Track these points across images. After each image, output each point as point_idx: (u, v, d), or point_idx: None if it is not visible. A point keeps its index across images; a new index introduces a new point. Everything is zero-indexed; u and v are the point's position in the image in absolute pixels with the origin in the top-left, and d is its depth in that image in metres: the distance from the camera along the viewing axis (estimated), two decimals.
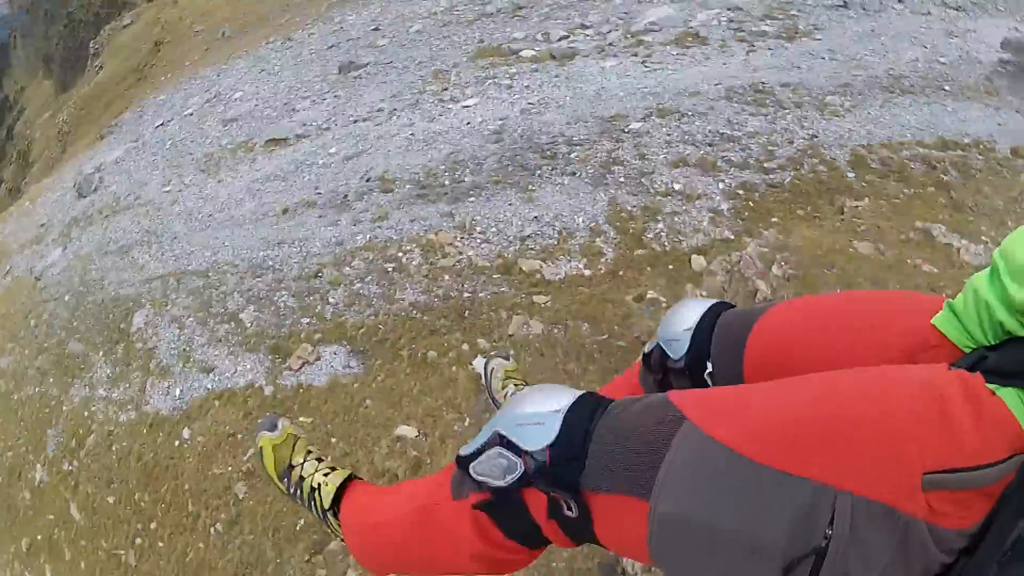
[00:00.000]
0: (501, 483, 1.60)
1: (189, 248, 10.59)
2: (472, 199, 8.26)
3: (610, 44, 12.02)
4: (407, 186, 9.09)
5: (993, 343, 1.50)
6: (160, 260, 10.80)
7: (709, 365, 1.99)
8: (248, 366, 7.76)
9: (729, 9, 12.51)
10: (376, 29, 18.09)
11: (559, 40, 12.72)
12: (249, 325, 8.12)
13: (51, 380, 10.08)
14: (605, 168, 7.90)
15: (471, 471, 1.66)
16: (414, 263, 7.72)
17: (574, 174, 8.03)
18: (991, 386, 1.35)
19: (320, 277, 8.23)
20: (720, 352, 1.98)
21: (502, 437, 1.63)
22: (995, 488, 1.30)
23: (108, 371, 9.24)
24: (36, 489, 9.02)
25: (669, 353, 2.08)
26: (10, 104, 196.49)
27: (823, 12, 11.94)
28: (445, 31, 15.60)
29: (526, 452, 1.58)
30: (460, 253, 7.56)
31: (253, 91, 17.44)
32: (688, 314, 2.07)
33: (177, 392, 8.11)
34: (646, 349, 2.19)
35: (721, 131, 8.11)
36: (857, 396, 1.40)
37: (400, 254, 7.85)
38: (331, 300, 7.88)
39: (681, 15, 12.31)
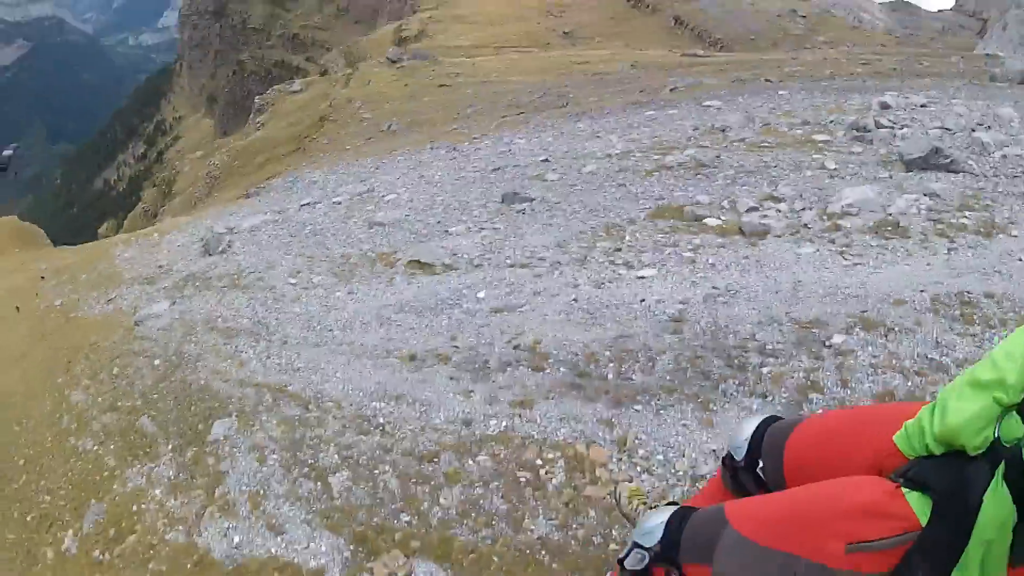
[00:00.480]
0: (640, 567, 2.98)
1: (297, 362, 9.39)
2: (638, 407, 6.87)
3: (805, 225, 10.81)
4: (562, 368, 7.68)
5: (921, 454, 2.46)
6: (263, 363, 9.49)
7: (760, 462, 3.12)
8: (323, 547, 6.25)
9: (927, 195, 11.33)
10: (546, 160, 17.28)
11: (748, 211, 11.45)
12: (338, 495, 6.70)
13: (112, 447, 8.79)
14: (802, 394, 6.56)
15: (624, 564, 3.06)
16: (554, 481, 6.17)
17: (765, 396, 6.64)
18: (905, 489, 2.39)
19: (436, 463, 6.72)
20: (766, 457, 3.10)
21: (635, 543, 3.04)
22: (899, 550, 2.33)
23: (171, 472, 7.92)
24: (61, 555, 7.76)
25: (735, 456, 3.24)
26: (164, 128, 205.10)
27: (1016, 202, 10.70)
28: (620, 178, 14.45)
29: (648, 548, 2.96)
30: (614, 482, 5.89)
31: (407, 198, 16.64)
32: (746, 427, 3.25)
33: (236, 539, 6.68)
34: (723, 454, 3.44)
35: (929, 355, 6.76)
36: (818, 500, 2.57)
37: (539, 462, 6.26)
38: (442, 500, 6.32)
39: (880, 199, 11.13)
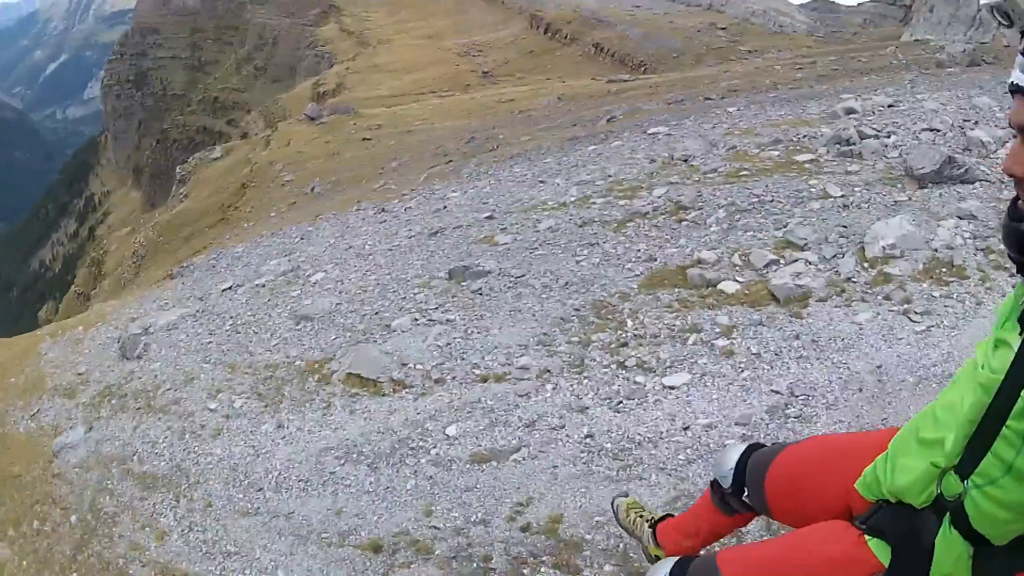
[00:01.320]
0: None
1: (226, 542, 6.72)
2: None
3: (848, 280, 8.38)
4: (608, 566, 5.08)
5: (878, 500, 2.66)
6: (185, 539, 6.87)
7: (745, 489, 3.34)
8: None
9: (963, 219, 9.39)
10: (491, 217, 14.68)
11: (769, 267, 9.03)
12: None
13: None
14: None
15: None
16: None
17: None
18: (868, 536, 2.59)
19: None
20: (749, 485, 3.31)
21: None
22: None
23: None
24: None
25: (722, 484, 3.46)
26: (94, 205, 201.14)
27: None
28: (588, 234, 11.88)
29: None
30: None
31: (336, 276, 14.01)
32: (731, 456, 3.44)
33: None
34: (711, 480, 3.61)
35: None
36: (794, 551, 2.81)
37: None
38: None
39: (919, 232, 8.93)
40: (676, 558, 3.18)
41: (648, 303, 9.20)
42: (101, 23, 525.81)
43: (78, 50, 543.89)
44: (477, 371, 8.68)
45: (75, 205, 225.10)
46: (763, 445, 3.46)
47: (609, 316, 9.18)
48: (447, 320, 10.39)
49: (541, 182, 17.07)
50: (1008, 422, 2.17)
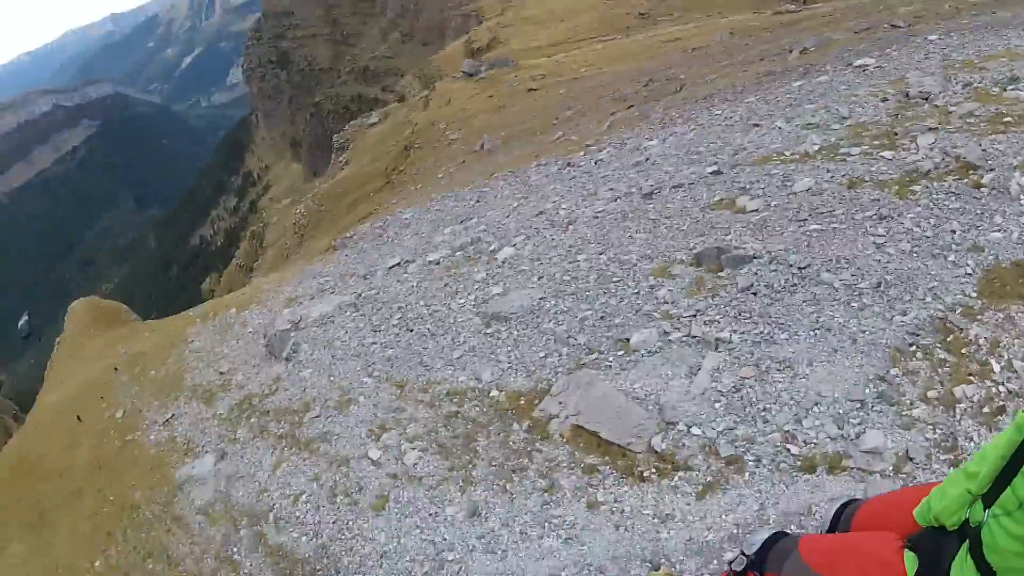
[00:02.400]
0: (740, 568, 3.78)
1: None
2: None
3: None
4: None
5: (927, 526, 3.15)
6: None
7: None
8: None
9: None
10: (718, 173, 12.37)
11: None
12: None
13: None
14: None
15: (732, 565, 3.86)
16: None
17: None
18: (906, 550, 3.10)
19: None
20: (842, 524, 3.99)
21: (742, 551, 3.90)
22: None
23: None
24: None
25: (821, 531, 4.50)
26: (253, 179, 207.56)
27: None
28: (867, 199, 9.54)
29: (748, 556, 3.76)
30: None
31: (530, 253, 12.36)
32: (831, 510, 4.34)
33: None
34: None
35: None
36: (854, 545, 3.44)
37: None
38: None
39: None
40: (774, 530, 4.11)
41: (1005, 327, 6.67)
42: (230, 14, 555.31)
43: (211, 42, 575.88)
44: (794, 448, 6.25)
45: (233, 182, 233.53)
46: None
47: (965, 350, 6.55)
48: (719, 340, 7.78)
49: (755, 125, 15.12)
50: None
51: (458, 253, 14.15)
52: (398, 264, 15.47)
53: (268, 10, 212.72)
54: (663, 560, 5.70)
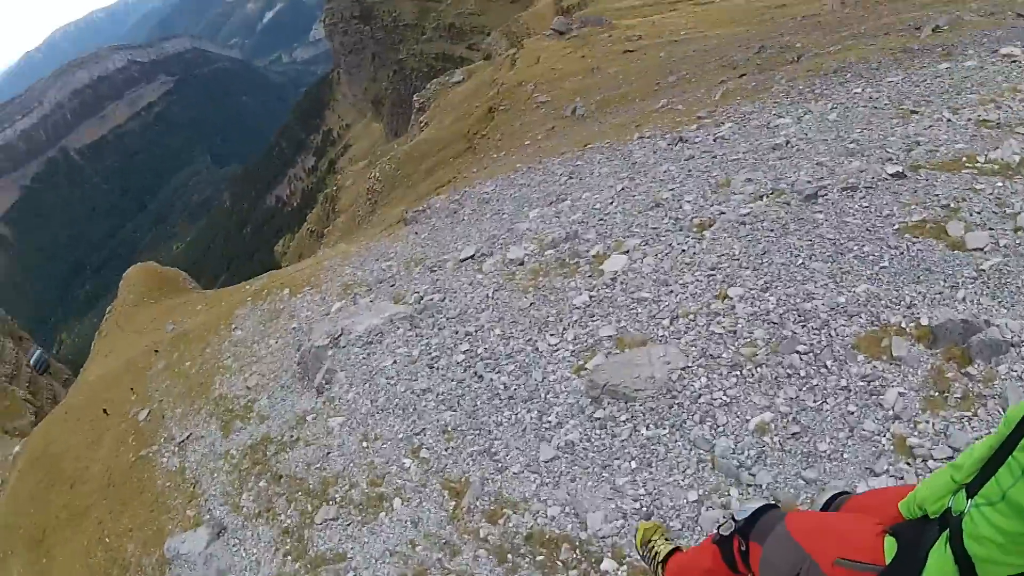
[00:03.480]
0: (727, 533, 3.96)
1: None
2: None
3: None
4: None
5: (910, 518, 3.20)
6: None
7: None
8: None
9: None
10: (901, 176, 10.10)
11: None
12: None
13: None
14: None
15: (720, 530, 4.04)
16: None
17: None
18: (887, 535, 3.17)
19: None
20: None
21: (732, 516, 4.00)
22: (870, 575, 3.09)
23: None
24: None
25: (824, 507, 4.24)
26: (333, 138, 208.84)
27: None
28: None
29: (737, 522, 3.93)
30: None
31: (650, 265, 10.08)
32: (823, 497, 4.37)
33: None
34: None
35: None
36: (838, 523, 3.60)
37: None
38: None
39: None
40: (762, 503, 4.13)
41: None
42: None
43: None
44: None
45: (313, 140, 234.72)
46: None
47: None
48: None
49: (913, 112, 12.89)
50: (1015, 452, 2.49)
51: (548, 252, 12.00)
52: (472, 257, 13.51)
53: None
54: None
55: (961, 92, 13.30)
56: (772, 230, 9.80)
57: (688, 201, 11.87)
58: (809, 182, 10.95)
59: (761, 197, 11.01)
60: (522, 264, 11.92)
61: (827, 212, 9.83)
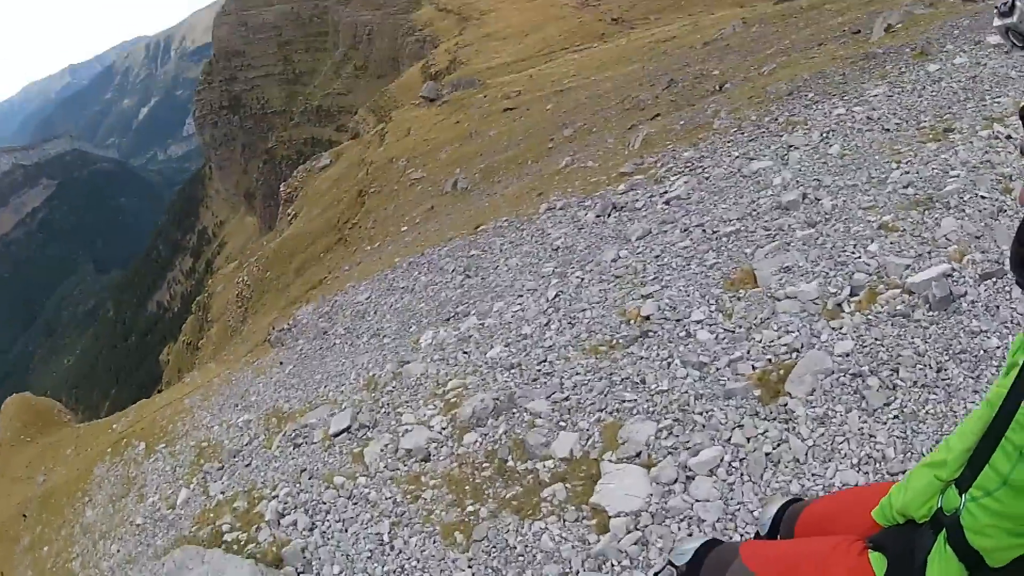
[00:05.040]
0: None
1: None
2: None
3: None
4: None
5: (889, 525, 2.79)
6: None
7: (778, 536, 3.48)
8: None
9: None
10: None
11: None
12: None
13: None
14: None
15: None
16: None
17: None
18: (870, 551, 2.67)
19: None
20: (784, 530, 3.45)
21: (670, 562, 3.40)
22: None
23: None
24: None
25: (760, 532, 3.61)
26: (208, 237, 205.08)
27: None
28: None
29: (677, 567, 3.32)
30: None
31: (703, 488, 5.41)
32: (770, 509, 3.61)
33: None
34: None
35: None
36: (807, 551, 2.98)
37: None
38: None
39: None
40: (706, 538, 3.91)
41: None
42: (186, 60, 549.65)
43: (168, 90, 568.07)
44: None
45: (188, 240, 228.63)
46: (800, 499, 3.72)
47: None
48: None
49: (948, 131, 9.61)
50: (1007, 434, 2.23)
51: (469, 438, 7.11)
52: (347, 430, 8.68)
53: (219, 50, 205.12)
54: None
55: (984, 96, 10.43)
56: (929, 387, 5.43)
57: (703, 325, 7.07)
58: (909, 267, 6.49)
59: (842, 307, 6.44)
60: (427, 461, 6.99)
61: (988, 325, 5.68)
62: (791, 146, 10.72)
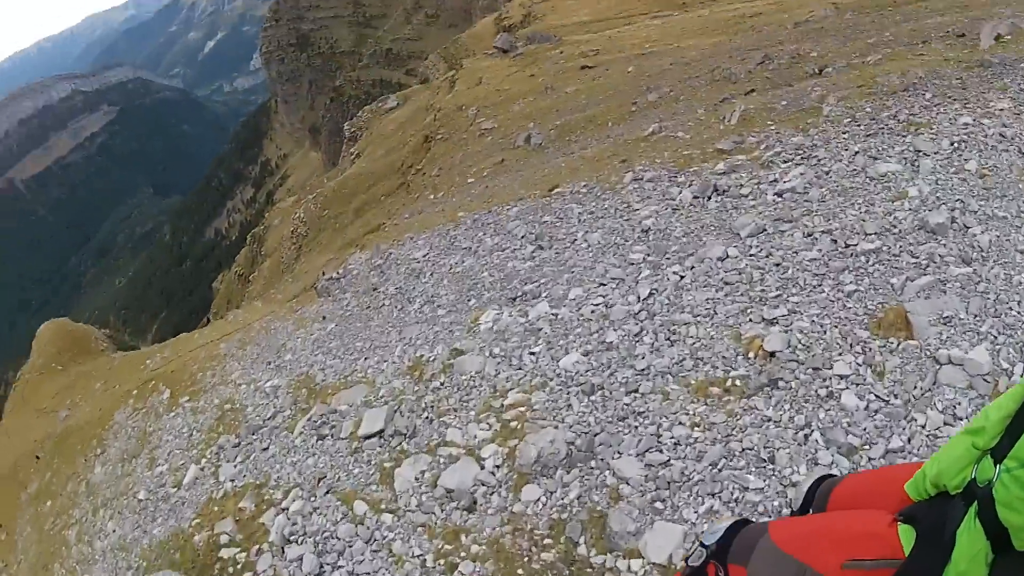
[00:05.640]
0: (697, 564, 3.16)
1: None
2: None
3: None
4: None
5: (921, 499, 2.73)
6: None
7: (811, 510, 3.39)
8: None
9: None
10: None
11: None
12: None
13: None
14: None
15: (688, 561, 3.23)
16: None
17: None
18: (899, 523, 2.63)
19: None
20: (816, 506, 3.37)
21: (702, 543, 3.20)
22: (885, 573, 2.55)
23: None
24: None
25: (793, 507, 4.05)
26: (271, 168, 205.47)
27: None
28: None
29: (708, 547, 3.17)
30: None
31: None
32: (805, 484, 3.66)
33: None
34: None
35: None
36: (835, 524, 2.95)
37: None
38: None
39: None
40: (738, 519, 3.43)
41: None
42: None
43: (235, 26, 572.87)
44: None
45: (251, 171, 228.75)
46: (833, 475, 3.65)
47: None
48: None
49: None
50: None
51: (527, 491, 6.08)
52: (380, 434, 7.65)
53: None
54: None
55: None
56: None
57: (849, 384, 5.91)
58: None
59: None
60: (471, 512, 5.92)
61: None
62: (919, 151, 9.34)
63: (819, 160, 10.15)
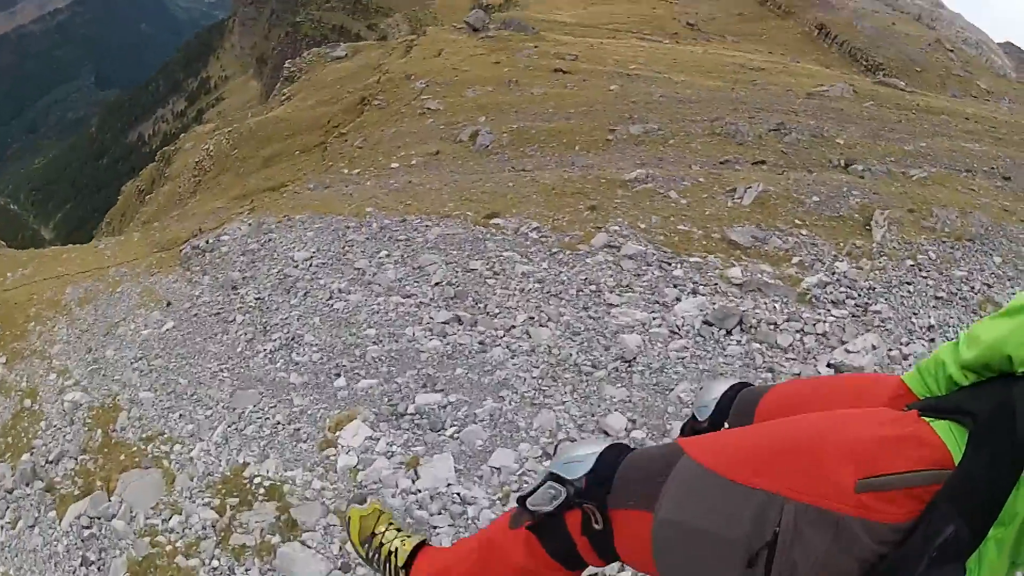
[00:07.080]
0: (549, 508, 2.02)
1: None
2: None
3: None
4: None
5: (942, 394, 1.86)
6: None
7: (726, 424, 2.55)
8: None
9: None
10: None
11: None
12: None
13: None
14: None
15: (527, 505, 2.07)
16: None
17: None
18: (927, 418, 1.71)
19: None
20: (736, 414, 2.51)
21: (553, 474, 2.07)
22: (922, 492, 1.59)
23: None
24: None
25: (697, 416, 2.68)
26: (209, 88, 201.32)
27: None
28: None
29: (569, 482, 2.02)
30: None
31: None
32: (716, 387, 2.70)
33: None
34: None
35: None
36: (815, 427, 1.82)
37: None
38: None
39: None
40: (613, 441, 2.24)
41: None
42: None
43: None
44: None
45: (189, 84, 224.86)
46: (750, 384, 2.74)
47: None
48: None
49: None
50: None
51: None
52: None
53: None
54: None
55: None
56: None
57: None
58: None
59: None
60: None
61: None
62: None
63: (885, 326, 6.56)
